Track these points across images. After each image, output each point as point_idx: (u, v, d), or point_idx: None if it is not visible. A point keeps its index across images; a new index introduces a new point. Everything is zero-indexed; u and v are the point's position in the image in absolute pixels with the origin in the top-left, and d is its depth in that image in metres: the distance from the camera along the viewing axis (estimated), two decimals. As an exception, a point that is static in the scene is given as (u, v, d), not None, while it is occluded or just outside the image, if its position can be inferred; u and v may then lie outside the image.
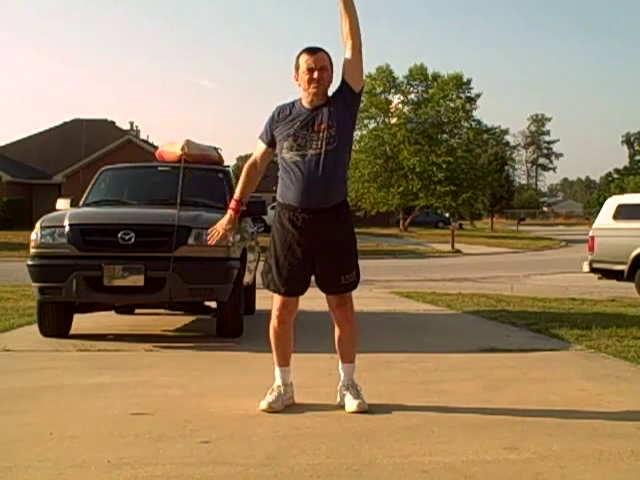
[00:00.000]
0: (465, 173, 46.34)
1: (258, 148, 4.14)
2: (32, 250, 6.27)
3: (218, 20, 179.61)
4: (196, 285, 6.09)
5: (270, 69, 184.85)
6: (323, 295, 4.07)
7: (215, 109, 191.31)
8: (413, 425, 3.68)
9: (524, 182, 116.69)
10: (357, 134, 46.61)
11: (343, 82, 4.00)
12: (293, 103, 4.02)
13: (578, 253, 21.08)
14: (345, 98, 3.99)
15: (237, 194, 4.19)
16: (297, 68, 3.96)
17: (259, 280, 4.49)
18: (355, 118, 4.14)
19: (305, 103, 3.97)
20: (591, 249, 12.19)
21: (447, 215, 56.65)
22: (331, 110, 3.93)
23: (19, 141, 41.64)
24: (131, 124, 45.06)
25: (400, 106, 48.07)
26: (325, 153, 3.88)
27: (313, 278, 4.02)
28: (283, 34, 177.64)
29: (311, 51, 3.94)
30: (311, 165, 3.87)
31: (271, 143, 4.06)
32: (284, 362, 4.08)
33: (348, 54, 3.93)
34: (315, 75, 3.89)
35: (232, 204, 4.19)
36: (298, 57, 3.96)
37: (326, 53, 3.97)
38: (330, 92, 4.02)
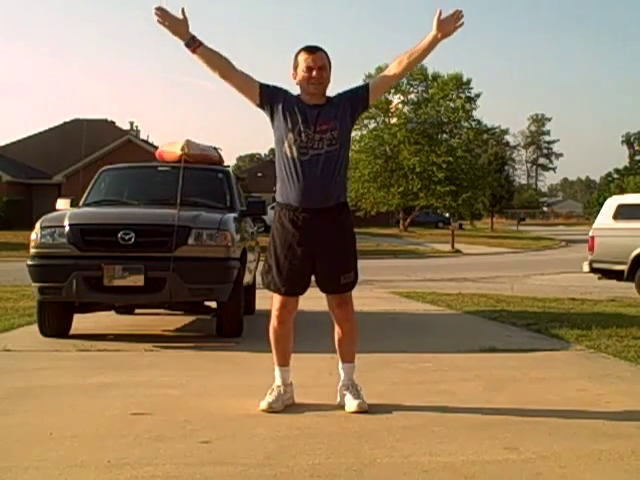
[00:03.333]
0: (465, 173, 46.29)
1: (250, 75, 3.97)
2: (32, 250, 6.27)
3: (218, 20, 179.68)
4: (196, 285, 6.09)
5: (269, 69, 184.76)
6: (323, 295, 4.07)
7: (215, 109, 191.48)
8: (413, 425, 3.67)
9: (524, 182, 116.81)
10: (357, 134, 46.62)
11: (365, 91, 4.02)
12: (297, 97, 4.00)
13: (578, 253, 21.09)
14: (355, 104, 4.00)
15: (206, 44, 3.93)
16: (295, 67, 3.94)
17: (259, 280, 4.48)
18: (354, 123, 4.18)
19: (304, 101, 3.96)
20: (591, 249, 12.18)
21: (447, 215, 56.63)
22: (335, 112, 3.93)
23: (19, 141, 41.62)
24: (131, 124, 45.09)
25: (400, 106, 48.03)
26: (327, 154, 3.88)
27: (313, 278, 4.02)
28: (283, 34, 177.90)
29: (310, 50, 3.93)
30: (312, 165, 3.86)
31: (264, 92, 3.94)
32: (284, 362, 4.08)
33: (393, 72, 4.04)
34: (314, 74, 3.88)
35: (196, 37, 3.90)
36: (297, 55, 3.94)
37: (325, 52, 3.96)
38: (330, 92, 4.02)
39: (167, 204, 6.72)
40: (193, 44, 3.90)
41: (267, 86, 3.98)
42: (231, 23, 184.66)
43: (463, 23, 3.97)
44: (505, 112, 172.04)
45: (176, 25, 3.89)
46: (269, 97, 3.96)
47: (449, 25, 3.96)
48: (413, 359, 5.54)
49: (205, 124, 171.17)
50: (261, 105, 3.98)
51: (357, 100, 4.02)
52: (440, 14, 3.95)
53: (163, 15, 3.88)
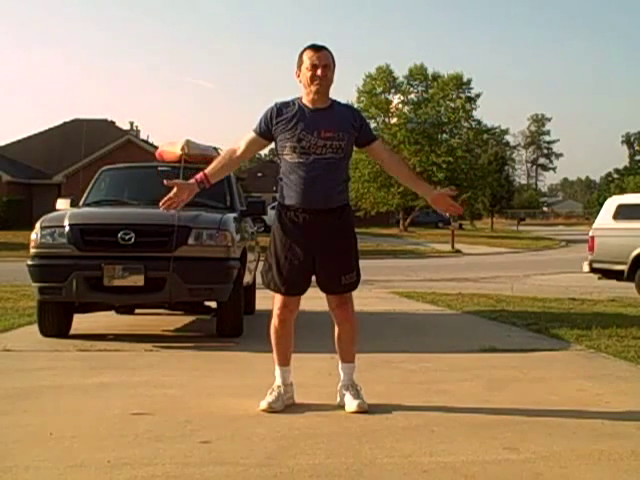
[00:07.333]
0: (465, 173, 46.30)
1: (246, 136, 4.08)
2: (32, 250, 6.27)
3: (218, 20, 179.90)
4: (196, 285, 6.09)
5: (269, 69, 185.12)
6: (323, 295, 4.07)
7: (215, 109, 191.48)
8: (413, 425, 3.67)
9: (524, 182, 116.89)
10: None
11: (370, 141, 4.08)
12: (293, 101, 4.00)
13: (578, 253, 21.09)
14: (359, 137, 4.03)
15: (208, 169, 4.15)
16: (300, 65, 3.94)
17: (259, 280, 4.48)
18: None
19: (306, 102, 3.95)
20: (591, 249, 12.19)
21: (447, 215, 56.57)
22: (343, 124, 3.93)
23: (19, 141, 41.58)
24: (131, 124, 45.04)
25: (400, 106, 48.06)
26: (330, 159, 3.88)
27: (314, 278, 4.02)
28: (283, 34, 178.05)
29: (315, 48, 3.93)
30: (314, 169, 3.86)
31: (265, 134, 4.01)
32: (284, 362, 4.07)
33: (384, 160, 4.16)
34: (318, 72, 3.87)
35: (198, 175, 4.12)
36: (301, 53, 3.94)
37: (330, 52, 3.96)
38: (333, 94, 4.02)
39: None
40: (204, 183, 4.13)
41: (261, 126, 4.01)
42: (230, 22, 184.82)
43: (451, 215, 4.25)
44: (505, 112, 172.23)
45: (188, 193, 4.15)
46: (268, 131, 3.99)
47: (444, 205, 4.08)
48: (413, 359, 5.54)
49: (205, 124, 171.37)
50: (271, 141, 4.04)
51: (361, 137, 4.05)
52: (451, 195, 4.07)
53: (175, 202, 4.19)
